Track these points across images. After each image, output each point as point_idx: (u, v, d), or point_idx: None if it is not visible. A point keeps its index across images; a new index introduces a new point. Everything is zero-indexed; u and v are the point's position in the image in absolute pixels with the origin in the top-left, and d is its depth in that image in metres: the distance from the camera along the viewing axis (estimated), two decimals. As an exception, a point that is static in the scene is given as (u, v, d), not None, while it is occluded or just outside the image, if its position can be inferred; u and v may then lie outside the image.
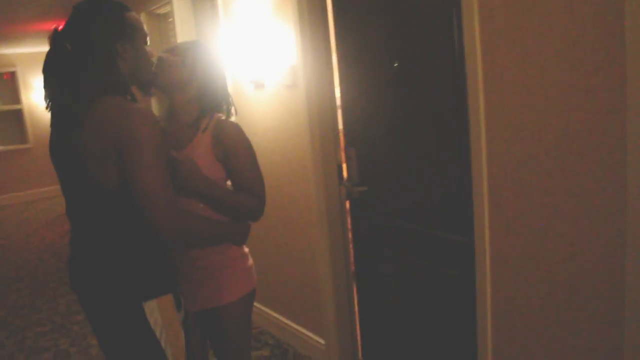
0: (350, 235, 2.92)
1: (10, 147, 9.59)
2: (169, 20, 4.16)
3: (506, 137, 1.86)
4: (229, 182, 2.02)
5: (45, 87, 1.72)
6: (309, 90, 2.75)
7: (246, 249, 2.10)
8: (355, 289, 2.98)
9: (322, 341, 3.04)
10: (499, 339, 2.04)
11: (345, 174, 2.82)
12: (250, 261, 2.10)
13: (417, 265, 2.48)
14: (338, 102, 2.83)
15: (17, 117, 9.69)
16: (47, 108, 1.74)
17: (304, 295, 3.15)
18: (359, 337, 3.02)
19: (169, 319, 1.75)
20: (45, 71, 1.71)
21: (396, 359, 2.76)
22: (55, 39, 1.69)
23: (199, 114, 1.94)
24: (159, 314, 1.72)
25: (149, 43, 1.82)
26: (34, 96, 9.66)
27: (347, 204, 2.87)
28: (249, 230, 2.04)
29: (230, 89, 3.32)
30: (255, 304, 3.53)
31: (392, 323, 2.72)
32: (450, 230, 2.27)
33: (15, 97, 9.68)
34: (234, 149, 1.93)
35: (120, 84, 1.69)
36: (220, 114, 2.00)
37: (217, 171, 1.92)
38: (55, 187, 10.11)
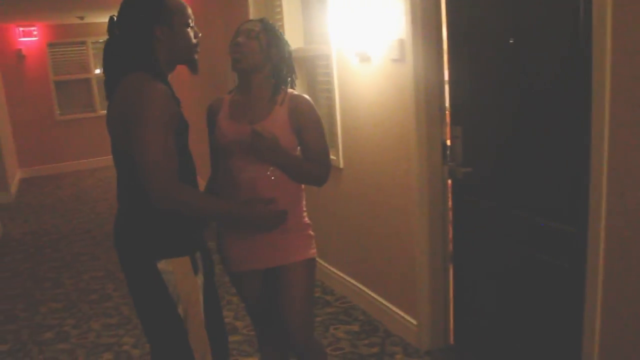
0: (450, 215, 2.85)
1: (79, 116, 10.05)
2: (276, -9, 4.18)
3: (633, 122, 1.72)
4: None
5: (103, 69, 1.93)
6: (416, 65, 2.67)
7: (307, 217, 2.26)
8: (451, 271, 2.91)
9: (414, 321, 3.01)
10: (608, 336, 1.92)
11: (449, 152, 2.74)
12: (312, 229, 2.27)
13: (521, 252, 2.37)
14: (446, 78, 2.74)
15: (86, 86, 10.09)
16: (106, 97, 1.92)
17: (398, 274, 3.11)
18: (451, 321, 2.96)
19: (187, 283, 1.86)
20: (103, 55, 1.91)
21: (489, 347, 2.68)
22: (109, 25, 1.90)
23: (274, 88, 2.11)
24: (177, 279, 1.83)
25: (192, 25, 1.93)
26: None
27: (449, 184, 2.80)
28: (243, 211, 2.02)
29: (335, 61, 3.33)
30: (349, 278, 3.59)
31: (488, 310, 2.64)
32: (560, 219, 2.15)
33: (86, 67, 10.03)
34: (308, 121, 2.11)
35: (150, 63, 1.84)
36: (291, 89, 2.17)
37: (291, 141, 2.09)
38: (104, 159, 10.47)
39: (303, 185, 2.21)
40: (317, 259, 3.96)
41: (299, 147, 2.16)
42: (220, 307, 2.11)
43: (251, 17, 4.51)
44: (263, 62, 2.08)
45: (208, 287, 1.96)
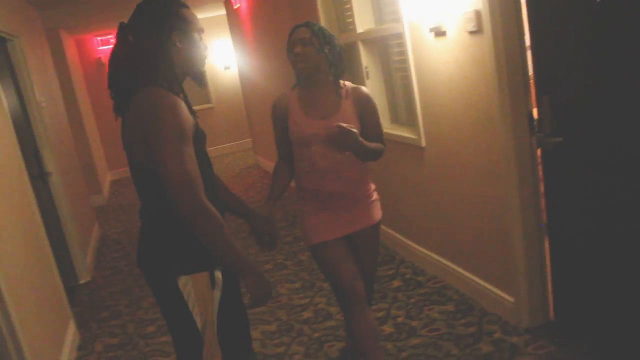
0: (542, 187, 2.74)
1: (196, 107, 10.31)
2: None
3: None
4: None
5: (109, 77, 1.87)
6: (495, 34, 2.57)
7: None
8: (547, 244, 2.81)
9: (510, 298, 2.93)
10: None
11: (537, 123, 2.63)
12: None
13: (622, 223, 2.25)
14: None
15: (201, 78, 10.44)
16: (110, 97, 1.89)
17: (491, 250, 3.04)
18: (550, 296, 2.86)
19: (202, 294, 1.89)
20: (110, 62, 1.86)
21: (592, 322, 2.58)
22: (120, 31, 1.85)
23: (334, 83, 2.43)
24: (192, 288, 1.87)
25: (202, 38, 1.94)
26: (214, 59, 10.31)
27: (539, 155, 2.69)
28: (247, 266, 1.89)
29: (409, 39, 3.26)
30: (439, 257, 3.55)
31: (590, 283, 2.54)
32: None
33: (199, 60, 10.40)
34: (368, 108, 2.46)
35: (167, 72, 1.83)
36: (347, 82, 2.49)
37: (358, 127, 2.39)
38: (236, 144, 10.86)
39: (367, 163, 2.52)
40: (404, 239, 3.96)
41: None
42: (244, 319, 2.15)
43: (319, 5, 4.51)
44: (321, 62, 2.36)
45: (227, 301, 1.98)
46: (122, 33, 1.85)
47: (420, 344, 2.93)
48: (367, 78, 4.00)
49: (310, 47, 2.33)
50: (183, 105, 1.81)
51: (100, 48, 9.77)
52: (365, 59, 4.00)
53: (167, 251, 1.88)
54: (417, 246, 3.86)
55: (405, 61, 3.42)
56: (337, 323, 3.30)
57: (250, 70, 7.87)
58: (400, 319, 3.21)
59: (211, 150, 10.32)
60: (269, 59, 6.64)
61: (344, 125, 2.26)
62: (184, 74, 1.93)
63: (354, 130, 2.27)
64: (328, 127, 2.33)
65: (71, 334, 3.64)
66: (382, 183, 4.16)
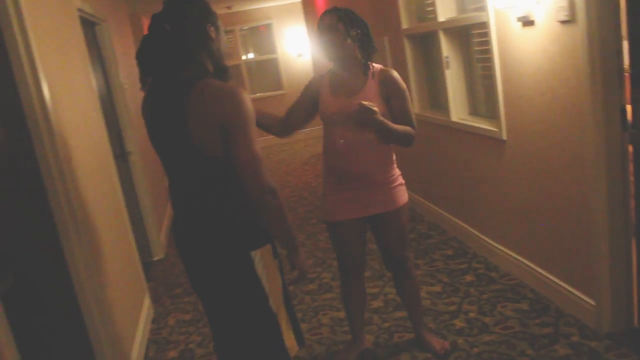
0: (632, 187, 2.61)
1: (268, 94, 10.53)
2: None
3: None
4: None
5: (140, 67, 1.95)
6: (590, 24, 2.46)
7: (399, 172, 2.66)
8: (634, 246, 2.67)
9: (591, 301, 2.82)
10: None
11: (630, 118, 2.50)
12: (403, 180, 2.68)
13: None
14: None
15: (273, 65, 10.58)
16: (141, 88, 1.99)
17: (571, 250, 2.93)
18: (635, 301, 2.73)
19: (269, 264, 2.01)
20: (142, 52, 1.93)
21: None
22: (154, 22, 1.92)
23: (363, 65, 2.51)
24: (262, 261, 1.98)
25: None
26: (287, 46, 10.40)
27: (631, 152, 2.56)
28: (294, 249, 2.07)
29: (493, 28, 3.17)
30: (514, 254, 3.46)
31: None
32: None
33: (272, 47, 10.54)
34: (395, 90, 2.51)
35: (216, 64, 1.97)
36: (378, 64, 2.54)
37: (381, 108, 2.45)
38: (307, 131, 10.98)
39: (392, 147, 2.58)
40: (477, 233, 3.88)
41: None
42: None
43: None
44: (348, 46, 2.45)
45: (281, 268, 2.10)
46: (158, 23, 1.92)
47: (493, 341, 2.86)
48: (447, 68, 3.92)
49: (337, 33, 2.43)
50: (244, 89, 1.95)
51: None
52: (445, 48, 3.92)
53: (238, 227, 1.96)
54: (491, 241, 3.77)
55: (488, 51, 3.33)
56: (335, 295, 3.57)
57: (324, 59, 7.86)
58: (472, 315, 3.15)
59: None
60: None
61: (364, 103, 2.34)
62: (213, 65, 2.01)
63: (374, 108, 2.35)
64: (350, 104, 2.43)
65: (146, 307, 3.78)
66: (457, 175, 4.09)
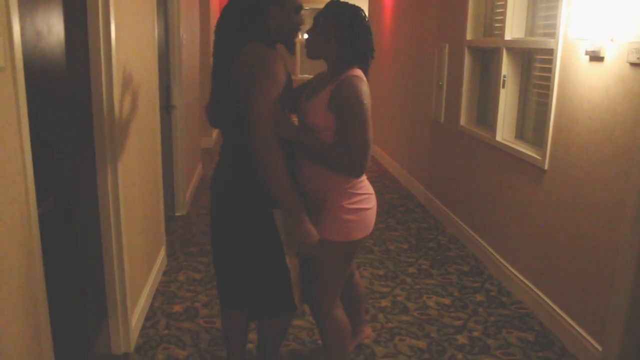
0: (665, 243, 2.58)
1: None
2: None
3: None
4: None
5: (215, 34, 2.20)
6: (659, 73, 2.42)
7: (357, 205, 2.23)
8: (653, 303, 2.64)
9: (598, 347, 2.80)
10: None
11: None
12: (355, 216, 2.23)
13: None
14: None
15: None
16: (212, 55, 2.23)
17: (588, 291, 2.90)
18: (643, 356, 2.70)
19: (285, 222, 2.20)
20: (217, 23, 2.18)
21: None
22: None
23: (338, 69, 2.18)
24: (279, 217, 2.18)
25: (299, 12, 2.19)
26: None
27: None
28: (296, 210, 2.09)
29: (559, 57, 3.13)
30: (529, 283, 3.43)
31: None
32: None
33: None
34: (343, 106, 2.10)
35: (264, 35, 2.11)
36: (353, 72, 2.16)
37: (323, 120, 2.14)
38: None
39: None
40: (496, 255, 3.86)
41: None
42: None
43: (470, 5, 4.43)
44: (327, 50, 2.20)
45: None
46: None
47: (492, 364, 2.87)
48: (503, 87, 3.89)
49: (316, 31, 2.20)
50: (281, 59, 2.10)
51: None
52: (505, 67, 3.88)
53: (262, 185, 2.08)
54: (509, 266, 3.75)
55: (548, 79, 3.29)
56: (412, 319, 3.29)
57: (380, 57, 7.85)
58: (476, 333, 3.16)
59: None
60: (403, 53, 6.59)
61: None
62: (276, 40, 2.18)
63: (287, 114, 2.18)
64: (301, 108, 2.25)
65: (161, 258, 3.85)
66: (488, 194, 4.07)
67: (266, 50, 2.06)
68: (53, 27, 1.99)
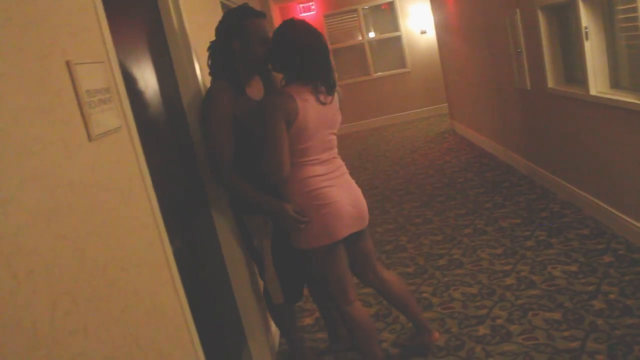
0: None
1: (391, 72, 10.52)
2: None
3: None
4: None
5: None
6: None
7: (313, 213, 2.37)
8: None
9: None
10: None
11: None
12: (314, 224, 2.37)
13: None
14: None
15: (396, 43, 10.53)
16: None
17: None
18: None
19: (260, 230, 2.59)
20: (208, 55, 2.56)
21: None
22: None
23: (287, 82, 2.43)
24: (252, 226, 2.60)
25: (263, 42, 2.43)
26: (410, 23, 10.30)
27: None
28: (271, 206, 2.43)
29: None
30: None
31: None
32: None
33: (395, 25, 10.49)
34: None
35: (228, 69, 2.44)
36: (288, 88, 2.36)
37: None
38: (430, 108, 10.86)
39: (300, 174, 2.38)
40: (618, 212, 3.69)
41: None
42: (295, 270, 2.73)
43: None
44: (278, 64, 2.50)
45: (279, 244, 2.59)
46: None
47: (636, 325, 2.74)
48: (586, 39, 3.74)
49: (270, 53, 2.47)
50: (227, 100, 2.40)
51: (303, 15, 10.28)
52: (585, 19, 3.73)
53: (234, 198, 2.62)
54: (633, 221, 3.58)
55: (635, 19, 3.13)
56: (541, 292, 3.22)
57: (450, 35, 7.74)
58: (612, 296, 3.03)
59: (406, 114, 10.70)
60: (472, 26, 6.47)
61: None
62: (248, 72, 2.50)
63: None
64: None
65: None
66: (594, 152, 3.91)
67: (208, 92, 2.44)
68: (149, 82, 2.17)
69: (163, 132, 2.27)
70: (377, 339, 2.68)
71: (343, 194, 2.42)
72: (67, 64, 1.30)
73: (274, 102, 2.29)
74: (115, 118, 1.50)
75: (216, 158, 2.40)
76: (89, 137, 1.35)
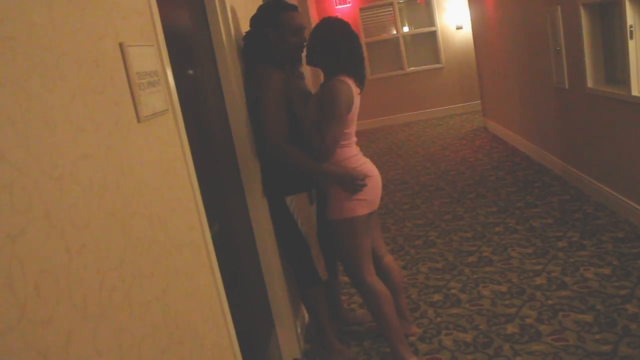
0: None
1: (425, 67, 10.44)
2: None
3: None
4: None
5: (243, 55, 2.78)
6: None
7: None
8: None
9: None
10: None
11: None
12: (350, 196, 2.61)
13: None
14: None
15: (431, 38, 10.43)
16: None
17: None
18: None
19: (303, 208, 2.83)
20: (243, 45, 2.78)
21: None
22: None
23: (328, 76, 2.63)
24: (296, 204, 2.80)
25: (300, 34, 2.70)
26: (446, 18, 10.20)
27: None
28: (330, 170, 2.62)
29: None
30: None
31: None
32: None
33: (431, 20, 10.40)
34: (320, 103, 2.61)
35: (269, 58, 2.64)
36: (338, 77, 2.57)
37: (315, 115, 2.63)
38: (463, 105, 10.76)
39: (344, 154, 2.64)
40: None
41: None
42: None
43: None
44: (317, 58, 2.69)
45: (322, 217, 2.78)
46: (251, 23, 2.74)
47: (671, 331, 2.70)
48: (631, 38, 3.66)
49: (310, 48, 2.68)
50: (281, 77, 2.62)
51: (338, 7, 10.25)
52: (630, 17, 3.65)
53: (276, 178, 2.74)
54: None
55: None
56: (572, 293, 3.18)
57: (487, 31, 7.65)
58: (646, 301, 2.99)
59: (438, 110, 10.62)
60: (510, 23, 6.38)
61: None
62: (283, 59, 2.70)
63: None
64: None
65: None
66: (634, 154, 3.83)
67: (264, 74, 2.60)
68: (191, 67, 2.19)
69: (203, 118, 2.30)
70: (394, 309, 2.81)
71: (375, 170, 2.72)
72: (121, 45, 1.33)
73: (340, 88, 2.53)
74: (162, 101, 1.53)
75: (275, 131, 2.58)
76: (138, 119, 1.38)
